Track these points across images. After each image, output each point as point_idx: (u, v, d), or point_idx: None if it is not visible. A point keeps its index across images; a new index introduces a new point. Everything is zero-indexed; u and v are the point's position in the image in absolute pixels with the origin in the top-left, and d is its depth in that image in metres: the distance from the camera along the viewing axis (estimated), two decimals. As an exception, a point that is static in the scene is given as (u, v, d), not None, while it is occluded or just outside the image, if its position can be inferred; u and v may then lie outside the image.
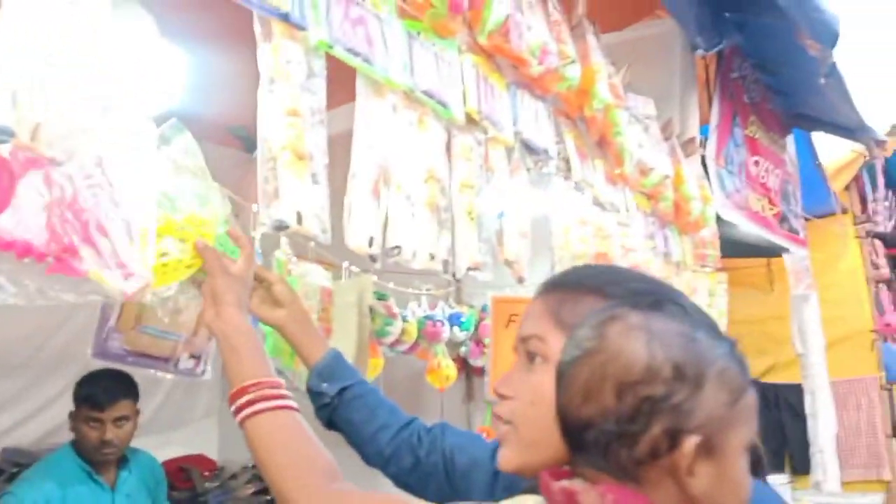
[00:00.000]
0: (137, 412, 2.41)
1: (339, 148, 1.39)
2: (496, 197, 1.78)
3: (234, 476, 3.71)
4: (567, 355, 0.68)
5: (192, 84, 2.24)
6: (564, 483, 0.65)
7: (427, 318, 2.69)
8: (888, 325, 6.88)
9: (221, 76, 2.49)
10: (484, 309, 3.23)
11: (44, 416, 3.42)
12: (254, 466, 3.83)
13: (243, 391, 1.02)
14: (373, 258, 1.35)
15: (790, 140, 4.74)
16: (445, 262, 1.55)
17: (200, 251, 1.13)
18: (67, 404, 3.45)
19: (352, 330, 2.01)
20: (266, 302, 1.28)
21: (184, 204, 1.13)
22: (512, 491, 0.83)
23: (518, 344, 0.87)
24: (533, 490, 0.74)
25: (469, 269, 1.63)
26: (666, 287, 0.90)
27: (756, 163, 4.00)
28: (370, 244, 1.33)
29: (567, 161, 2.16)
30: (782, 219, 4.34)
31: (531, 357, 0.83)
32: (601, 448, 0.63)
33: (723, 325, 3.24)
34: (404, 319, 2.40)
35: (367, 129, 1.37)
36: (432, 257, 1.50)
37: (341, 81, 1.39)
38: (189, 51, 2.21)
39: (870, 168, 6.21)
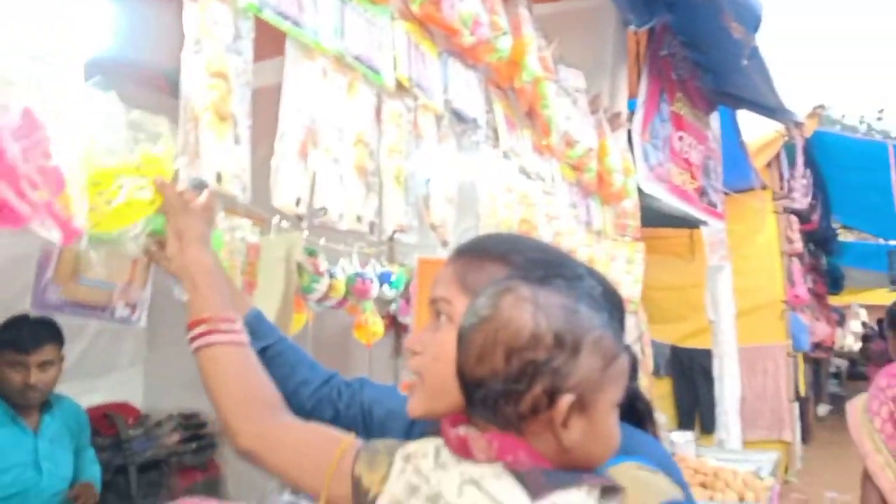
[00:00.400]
0: (62, 358, 2.41)
1: (264, 102, 1.41)
2: (424, 162, 1.84)
3: (158, 424, 3.73)
4: (466, 321, 0.77)
5: (122, 31, 2.20)
6: (460, 430, 0.74)
7: (357, 275, 2.74)
8: (797, 296, 7.30)
9: (153, 25, 2.45)
10: (414, 268, 3.32)
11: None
12: (179, 415, 3.86)
13: (199, 322, 1.09)
14: (300, 218, 1.40)
15: (714, 117, 4.93)
16: (372, 224, 1.61)
17: (160, 188, 1.16)
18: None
19: (277, 285, 2.06)
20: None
21: (136, 145, 1.16)
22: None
23: (429, 304, 0.95)
24: (437, 433, 0.83)
25: (395, 231, 1.70)
26: (564, 256, 0.99)
27: (680, 138, 4.17)
28: (297, 204, 1.38)
29: (495, 130, 2.23)
30: (702, 193, 4.54)
31: (438, 316, 0.92)
32: (490, 404, 0.72)
33: (639, 291, 3.41)
34: (332, 276, 2.46)
35: (295, 91, 1.41)
36: (359, 219, 1.56)
37: (270, 36, 1.40)
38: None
39: (789, 147, 6.51)
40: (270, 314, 2.06)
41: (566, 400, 0.70)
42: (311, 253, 2.43)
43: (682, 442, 3.76)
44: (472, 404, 0.75)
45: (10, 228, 1.04)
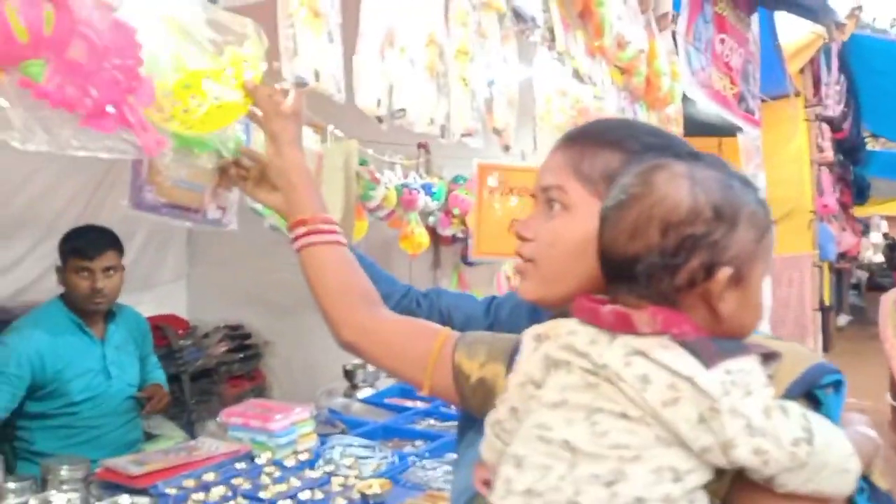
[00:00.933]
0: (123, 266, 2.47)
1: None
2: (487, 65, 1.81)
3: (206, 335, 3.82)
4: (613, 200, 0.77)
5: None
6: (616, 306, 0.75)
7: (404, 185, 2.75)
8: (826, 206, 7.25)
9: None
10: (455, 180, 3.30)
11: (13, 275, 3.42)
12: (225, 326, 3.96)
13: (300, 223, 1.12)
14: (380, 119, 1.39)
15: (755, 19, 4.77)
16: (443, 127, 1.60)
17: (251, 92, 1.16)
18: (35, 264, 3.49)
19: (339, 192, 2.07)
20: (261, 185, 1.25)
21: (223, 46, 1.15)
22: None
23: (538, 193, 0.95)
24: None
25: (463, 134, 1.68)
26: (678, 140, 0.98)
27: (722, 41, 4.04)
28: (378, 105, 1.37)
29: (552, 30, 2.18)
30: (741, 98, 4.44)
31: (551, 204, 0.92)
32: (645, 278, 0.73)
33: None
34: (384, 186, 2.46)
35: (374, -12, 1.37)
36: (431, 122, 1.55)
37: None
38: None
39: (826, 51, 6.32)
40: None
41: (724, 272, 0.71)
42: (363, 163, 2.42)
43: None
44: (623, 281, 0.75)
45: (105, 132, 1.05)
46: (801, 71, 6.59)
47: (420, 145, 3.16)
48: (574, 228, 0.89)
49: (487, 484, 0.81)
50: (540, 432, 0.73)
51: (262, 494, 1.89)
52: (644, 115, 3.08)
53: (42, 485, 1.87)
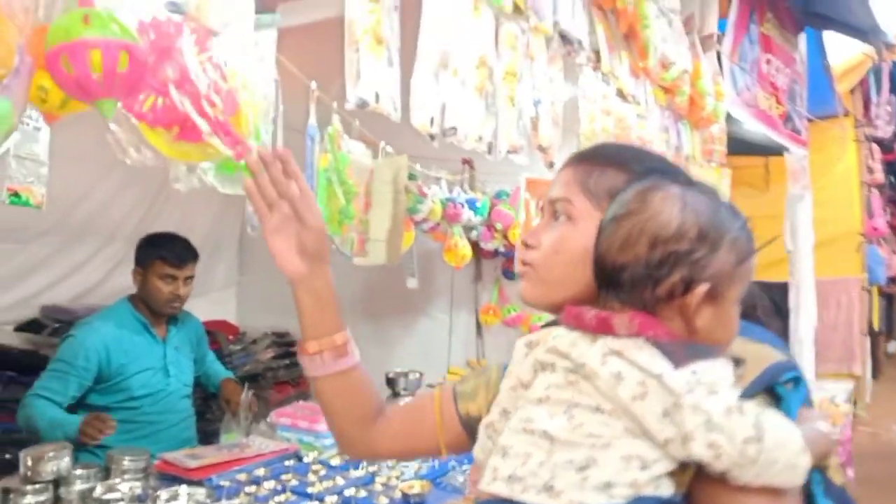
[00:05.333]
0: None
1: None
2: (534, 85, 1.89)
3: (254, 341, 3.96)
4: (612, 213, 0.85)
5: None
6: (599, 311, 0.82)
7: (448, 199, 2.83)
8: (876, 228, 7.11)
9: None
10: (498, 195, 3.38)
11: (76, 279, 3.61)
12: (272, 333, 4.09)
13: (316, 352, 1.09)
14: (432, 137, 1.48)
15: (802, 39, 4.76)
16: (490, 144, 1.68)
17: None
18: (96, 269, 3.68)
19: (388, 205, 2.16)
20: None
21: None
22: None
23: (546, 205, 1.03)
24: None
25: (508, 151, 1.77)
26: (679, 169, 1.04)
27: (768, 61, 4.06)
28: (431, 123, 1.46)
29: (597, 52, 2.25)
30: (787, 118, 4.44)
31: (557, 216, 1.00)
32: (630, 286, 0.80)
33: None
34: (430, 200, 2.55)
35: (431, 14, 1.47)
36: (479, 139, 1.63)
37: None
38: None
39: (876, 72, 6.24)
40: (382, 233, 2.17)
41: (701, 288, 0.78)
42: (412, 177, 2.52)
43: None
44: (610, 287, 0.83)
45: (198, 142, 1.16)
46: (852, 91, 6.51)
47: (464, 161, 3.25)
48: (576, 238, 0.95)
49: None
50: (524, 425, 0.81)
51: (309, 490, 1.98)
52: (687, 134, 3.12)
53: (105, 473, 1.99)
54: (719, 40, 3.41)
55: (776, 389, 0.81)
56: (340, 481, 2.07)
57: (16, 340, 3.21)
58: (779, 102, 4.27)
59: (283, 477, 2.07)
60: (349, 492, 1.98)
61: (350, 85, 1.26)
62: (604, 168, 0.97)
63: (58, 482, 1.89)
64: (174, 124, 1.12)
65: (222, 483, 1.99)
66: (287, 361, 4.02)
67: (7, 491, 1.81)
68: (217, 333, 3.71)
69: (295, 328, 4.28)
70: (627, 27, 2.42)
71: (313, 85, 1.53)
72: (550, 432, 0.78)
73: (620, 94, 2.44)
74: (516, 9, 1.77)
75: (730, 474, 0.74)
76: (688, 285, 0.78)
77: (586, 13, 2.18)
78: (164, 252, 2.53)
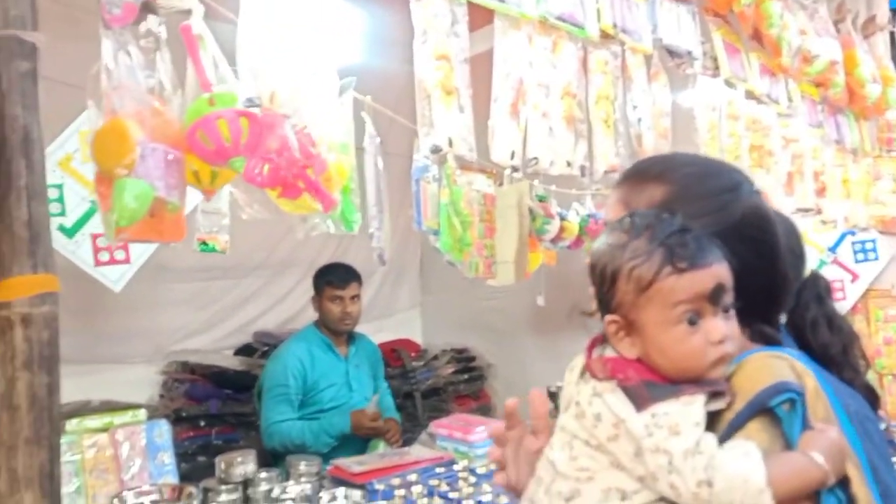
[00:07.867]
0: (360, 295, 2.99)
1: (478, 67, 1.63)
2: (635, 102, 1.95)
3: (435, 357, 4.26)
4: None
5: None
6: (593, 354, 0.87)
7: (590, 216, 2.89)
8: None
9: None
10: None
11: (281, 307, 4.16)
12: (452, 349, 4.36)
13: None
14: (514, 168, 1.62)
15: None
16: (583, 168, 1.78)
17: None
18: (297, 298, 4.20)
19: (513, 229, 2.30)
20: None
21: None
22: None
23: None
24: None
25: (606, 171, 1.84)
26: (723, 166, 1.04)
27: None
28: (511, 157, 1.60)
29: (714, 59, 2.23)
30: None
31: None
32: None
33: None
34: (563, 218, 2.64)
35: (504, 59, 1.61)
36: (569, 164, 1.74)
37: (479, 8, 1.62)
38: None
39: None
40: (509, 254, 2.32)
41: (607, 319, 0.84)
42: (542, 199, 2.63)
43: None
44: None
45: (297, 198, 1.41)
46: None
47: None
48: None
49: None
50: (546, 451, 0.90)
51: (451, 495, 2.17)
52: (852, 125, 2.92)
53: (285, 476, 2.33)
54: (891, 21, 3.13)
55: (775, 410, 0.80)
56: (486, 489, 2.23)
57: (234, 363, 3.77)
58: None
59: (432, 482, 2.28)
60: (486, 497, 2.14)
61: (423, 135, 1.45)
62: (642, 185, 1.00)
63: (246, 483, 2.25)
64: (277, 185, 1.37)
65: (378, 486, 2.24)
66: (466, 376, 4.26)
67: (207, 490, 2.20)
68: (401, 351, 4.05)
69: (474, 344, 4.55)
70: (752, 29, 2.36)
71: (421, 132, 1.72)
72: (554, 462, 0.86)
73: (751, 95, 2.38)
74: (605, 35, 1.85)
75: None
76: (604, 319, 0.84)
77: (696, 23, 2.18)
78: (330, 277, 2.92)
